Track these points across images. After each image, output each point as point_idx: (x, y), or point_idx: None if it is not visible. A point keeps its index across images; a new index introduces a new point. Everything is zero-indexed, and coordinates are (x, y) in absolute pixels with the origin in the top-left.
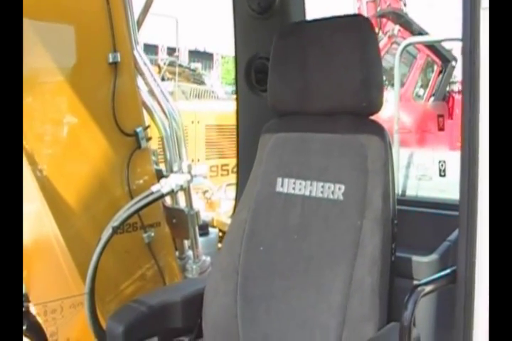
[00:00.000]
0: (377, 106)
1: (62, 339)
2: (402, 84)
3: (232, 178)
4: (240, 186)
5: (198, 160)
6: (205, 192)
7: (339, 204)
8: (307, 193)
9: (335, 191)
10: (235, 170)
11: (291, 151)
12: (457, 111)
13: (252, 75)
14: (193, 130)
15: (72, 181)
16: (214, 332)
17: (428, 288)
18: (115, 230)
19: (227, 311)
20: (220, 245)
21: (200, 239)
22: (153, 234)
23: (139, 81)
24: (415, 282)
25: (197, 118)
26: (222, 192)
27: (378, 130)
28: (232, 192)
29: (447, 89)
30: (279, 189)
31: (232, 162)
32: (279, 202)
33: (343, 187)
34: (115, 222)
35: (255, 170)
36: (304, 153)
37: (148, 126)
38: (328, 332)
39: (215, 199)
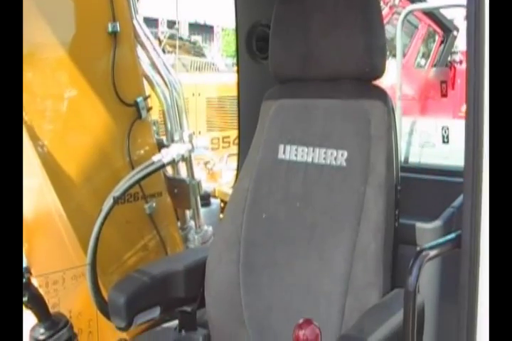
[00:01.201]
0: (380, 71)
1: (64, 311)
2: (404, 55)
3: (234, 150)
4: (242, 154)
5: (199, 133)
6: (206, 163)
7: (342, 171)
8: (309, 160)
9: (338, 157)
10: (236, 142)
11: (293, 118)
12: (459, 81)
13: (253, 43)
14: (193, 102)
15: (72, 153)
16: (217, 301)
17: (433, 253)
18: (116, 200)
19: (230, 280)
20: (222, 215)
21: (202, 210)
22: (154, 205)
23: (140, 52)
24: (419, 248)
25: (198, 91)
26: (223, 162)
27: (381, 95)
28: (233, 162)
29: (449, 59)
30: (281, 156)
31: (234, 134)
32: (282, 170)
33: (345, 153)
34: (116, 192)
35: (257, 137)
36: (306, 120)
37: (149, 96)
38: (331, 299)
39: (216, 170)
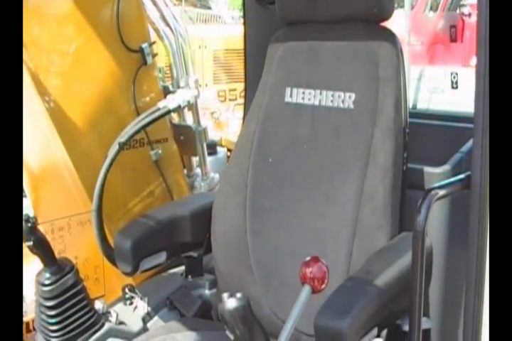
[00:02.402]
0: (388, 12)
1: (71, 257)
2: (412, 7)
3: (241, 102)
4: (248, 101)
5: (206, 85)
6: (212, 112)
7: (350, 113)
8: (316, 103)
9: (345, 100)
10: (242, 94)
11: (300, 60)
12: (467, 33)
13: None
14: (200, 55)
15: (77, 100)
16: (223, 246)
17: (442, 192)
18: (122, 146)
19: (236, 225)
20: None
21: (209, 158)
22: (160, 152)
23: (148, 4)
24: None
25: (204, 43)
26: (230, 112)
27: (389, 36)
28: (240, 111)
29: (457, 12)
30: (287, 99)
31: (240, 86)
32: (288, 113)
33: (353, 95)
34: (122, 137)
35: (263, 80)
36: (313, 62)
37: (154, 42)
38: (339, 242)
39: (223, 119)
